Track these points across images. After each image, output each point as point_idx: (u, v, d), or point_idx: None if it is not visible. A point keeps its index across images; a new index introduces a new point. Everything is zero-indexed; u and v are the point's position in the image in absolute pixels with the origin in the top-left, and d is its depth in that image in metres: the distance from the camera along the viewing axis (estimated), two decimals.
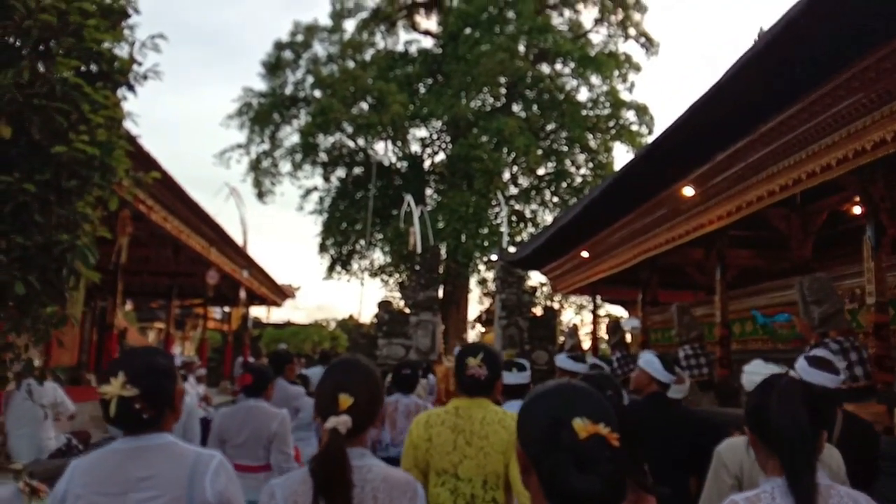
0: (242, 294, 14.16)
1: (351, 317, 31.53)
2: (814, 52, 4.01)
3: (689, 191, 6.46)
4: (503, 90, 28.09)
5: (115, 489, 1.71)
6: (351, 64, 29.04)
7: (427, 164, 29.83)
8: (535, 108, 28.29)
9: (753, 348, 8.07)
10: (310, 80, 29.71)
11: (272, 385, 3.96)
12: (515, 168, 28.07)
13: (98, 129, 2.83)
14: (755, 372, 2.85)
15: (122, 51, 3.23)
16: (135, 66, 3.22)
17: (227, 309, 17.30)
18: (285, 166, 30.16)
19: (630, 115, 28.63)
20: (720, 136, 5.41)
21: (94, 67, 3.12)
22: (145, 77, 3.30)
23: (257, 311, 25.39)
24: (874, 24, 3.63)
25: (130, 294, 16.95)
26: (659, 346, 10.98)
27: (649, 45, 29.90)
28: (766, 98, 4.65)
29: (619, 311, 18.64)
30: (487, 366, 2.54)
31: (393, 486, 1.68)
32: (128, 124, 3.38)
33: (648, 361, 3.64)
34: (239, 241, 15.42)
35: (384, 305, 17.19)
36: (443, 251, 21.09)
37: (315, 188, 30.37)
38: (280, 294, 18.00)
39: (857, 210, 8.91)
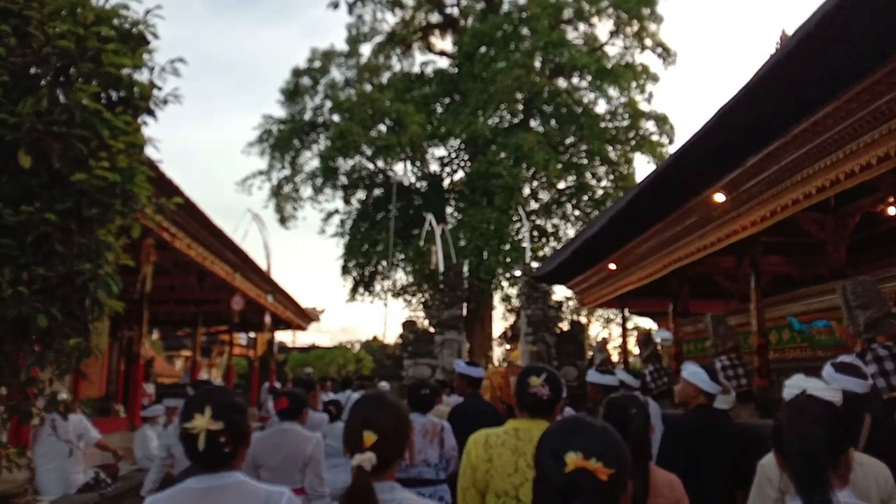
0: (268, 319, 14.14)
1: (375, 338, 31.45)
2: (849, 48, 3.86)
3: (719, 197, 6.29)
4: (520, 106, 28.06)
5: None
6: (368, 87, 29.25)
7: (446, 182, 29.85)
8: (553, 122, 28.21)
9: (791, 357, 7.81)
10: (328, 104, 29.99)
11: (307, 410, 4.02)
12: (535, 183, 27.95)
13: (119, 154, 2.78)
14: (796, 386, 2.73)
15: (141, 76, 3.19)
16: (155, 91, 3.18)
17: (252, 335, 17.31)
18: (306, 191, 30.40)
19: (650, 126, 28.42)
20: (751, 139, 5.25)
21: (113, 94, 3.08)
22: (165, 102, 3.26)
23: (282, 336, 25.44)
24: None
25: (156, 323, 17.05)
26: (692, 357, 10.72)
27: (666, 54, 29.73)
28: (799, 99, 4.49)
29: (647, 323, 18.33)
30: (550, 386, 2.53)
31: None
32: (149, 150, 3.34)
33: (694, 373, 3.55)
34: (263, 266, 15.49)
35: (408, 325, 17.08)
36: (465, 269, 20.97)
37: (336, 211, 30.54)
38: (304, 317, 17.98)
39: (892, 211, 8.67)
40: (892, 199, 8.26)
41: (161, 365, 26.00)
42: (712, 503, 1.86)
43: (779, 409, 1.88)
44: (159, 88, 3.20)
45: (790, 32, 4.34)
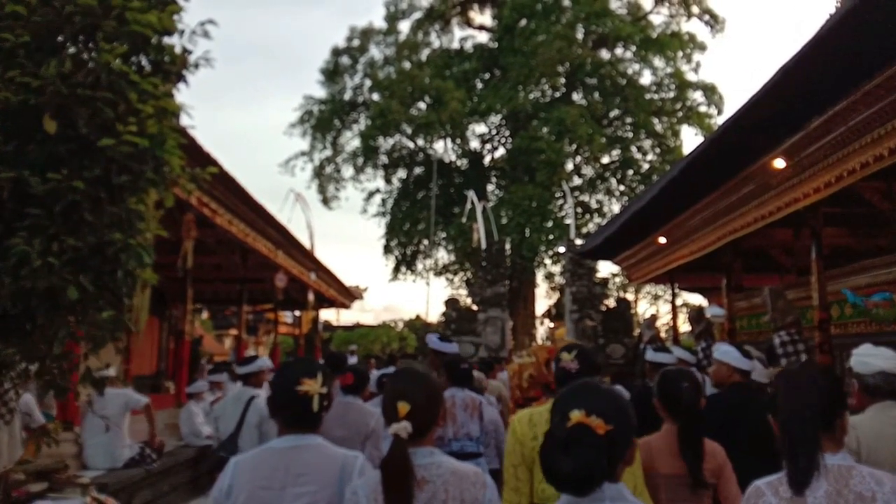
0: (311, 296, 14.17)
1: (418, 317, 31.53)
2: None
3: (779, 163, 5.91)
4: (562, 79, 27.43)
5: (276, 483, 1.91)
6: (407, 65, 29.01)
7: (487, 159, 29.54)
8: (596, 95, 27.51)
9: (854, 332, 7.40)
10: (367, 83, 29.91)
11: (368, 385, 4.31)
12: (578, 158, 27.40)
13: (148, 119, 2.66)
14: (866, 354, 2.78)
15: (171, 40, 3.06)
16: (185, 56, 3.05)
17: (297, 313, 17.44)
18: (348, 171, 30.49)
19: (697, 96, 27.55)
20: (817, 100, 4.88)
21: (143, 59, 2.96)
22: (196, 66, 3.12)
23: (327, 314, 25.69)
24: None
25: (204, 301, 17.34)
26: (745, 333, 10.32)
27: (714, 22, 28.63)
28: (869, 53, 4.11)
29: (697, 299, 17.82)
30: (579, 361, 2.66)
31: (462, 479, 1.84)
32: (183, 119, 3.22)
33: (725, 352, 3.76)
34: (306, 245, 15.55)
35: (451, 303, 16.96)
36: (507, 246, 20.71)
37: (377, 190, 30.59)
38: (348, 296, 18.02)
39: None
40: None
41: (210, 343, 26.55)
42: (750, 474, 1.92)
43: (778, 377, 1.96)
44: (189, 52, 3.06)
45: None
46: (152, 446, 6.07)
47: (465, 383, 4.95)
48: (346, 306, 18.89)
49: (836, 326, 7.49)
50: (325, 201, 30.70)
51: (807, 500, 1.66)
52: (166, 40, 3.05)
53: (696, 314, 9.53)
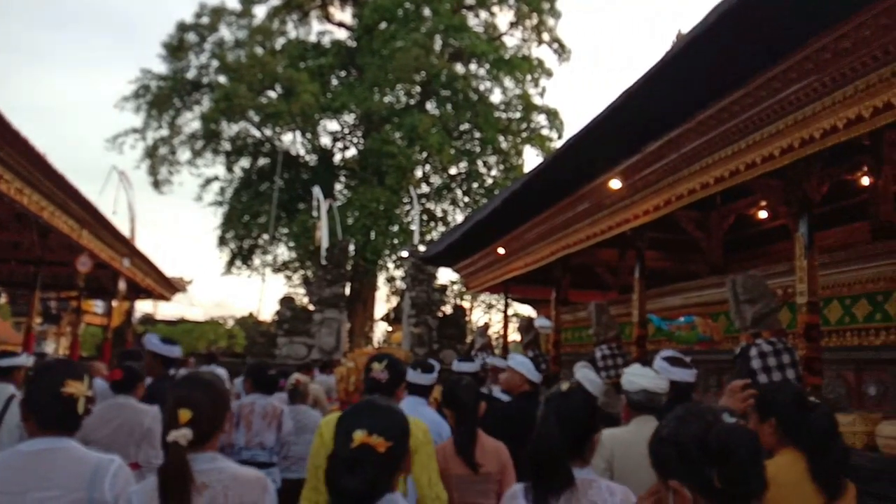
0: (122, 285, 12.77)
1: (251, 314, 30.02)
2: (763, 33, 3.71)
3: (616, 183, 6.16)
4: (418, 88, 27.61)
5: (16, 487, 1.82)
6: (259, 50, 27.69)
7: (337, 158, 28.90)
8: (449, 107, 27.96)
9: (668, 348, 7.95)
10: (214, 64, 28.14)
11: (143, 383, 3.84)
12: (428, 166, 27.66)
13: None
14: (633, 374, 3.09)
15: None
16: None
17: (114, 303, 15.74)
18: (184, 154, 28.41)
19: (541, 119, 28.88)
20: (656, 124, 5.11)
21: None
22: None
23: (146, 307, 23.65)
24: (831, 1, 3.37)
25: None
26: (570, 345, 10.81)
27: (561, 51, 30.28)
28: (710, 84, 4.35)
29: (527, 310, 18.55)
30: (389, 372, 2.89)
31: (243, 483, 1.86)
32: None
33: (521, 363, 4.15)
34: (124, 228, 14.09)
35: (286, 302, 16.25)
36: (351, 248, 20.30)
37: (216, 178, 28.79)
38: (169, 287, 16.55)
39: (762, 214, 9.08)
40: (763, 203, 8.64)
41: (6, 331, 23.43)
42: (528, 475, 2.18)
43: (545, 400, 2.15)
44: None
45: (685, 32, 4.19)
46: None
47: (270, 390, 4.87)
48: (165, 298, 17.39)
49: (650, 343, 8.00)
50: (157, 184, 28.39)
51: None
52: None
53: (526, 324, 9.79)
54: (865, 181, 6.60)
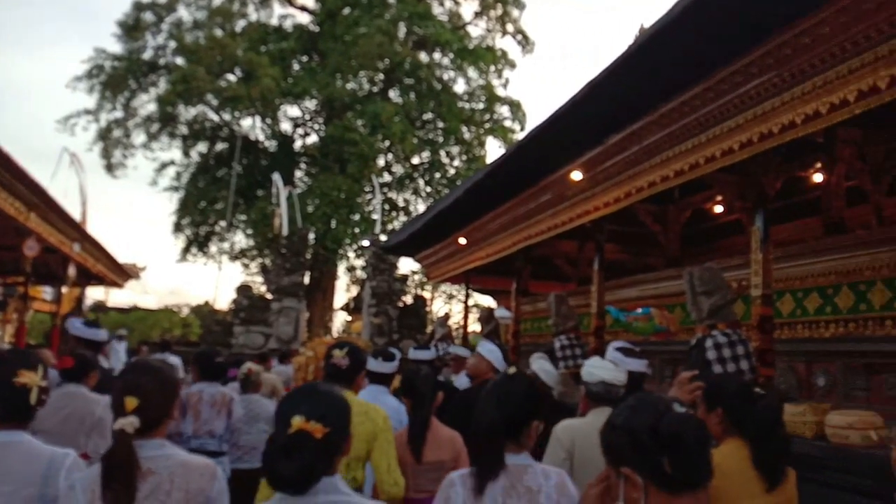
0: (72, 271, 12.33)
1: (206, 303, 29.46)
2: (727, 28, 3.74)
3: (577, 175, 6.18)
4: (381, 75, 27.34)
5: None
6: (219, 32, 27.00)
7: (298, 144, 28.47)
8: (412, 95, 27.79)
9: (622, 339, 8.06)
10: (172, 45, 27.35)
11: (95, 372, 3.71)
12: (390, 155, 27.47)
13: None
14: (592, 366, 3.16)
15: None
16: None
17: (64, 290, 15.20)
18: (139, 137, 27.61)
19: (504, 111, 28.96)
20: (619, 117, 5.13)
21: None
22: None
23: (98, 293, 23.00)
24: None
25: None
26: (529, 335, 10.88)
27: (525, 42, 30.35)
28: (673, 77, 4.38)
29: (487, 300, 18.62)
30: (350, 359, 2.96)
31: (191, 470, 1.84)
32: None
33: (491, 351, 4.20)
34: (77, 213, 13.63)
35: (243, 290, 15.98)
36: (311, 236, 20.04)
37: (172, 162, 28.09)
38: (121, 274, 16.06)
39: (718, 209, 9.26)
40: (720, 198, 8.80)
41: None
42: None
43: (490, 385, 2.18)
44: None
45: (649, 25, 4.21)
46: None
47: (217, 378, 4.83)
48: (118, 285, 16.88)
49: (608, 334, 8.10)
50: (110, 168, 27.53)
51: (486, 493, 1.94)
52: None
53: (486, 315, 9.81)
54: (817, 178, 6.77)
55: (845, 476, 3.39)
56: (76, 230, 11.40)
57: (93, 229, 12.59)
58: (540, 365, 4.79)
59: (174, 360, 8.20)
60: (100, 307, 26.64)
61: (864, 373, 4.67)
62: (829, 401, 4.60)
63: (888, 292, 4.61)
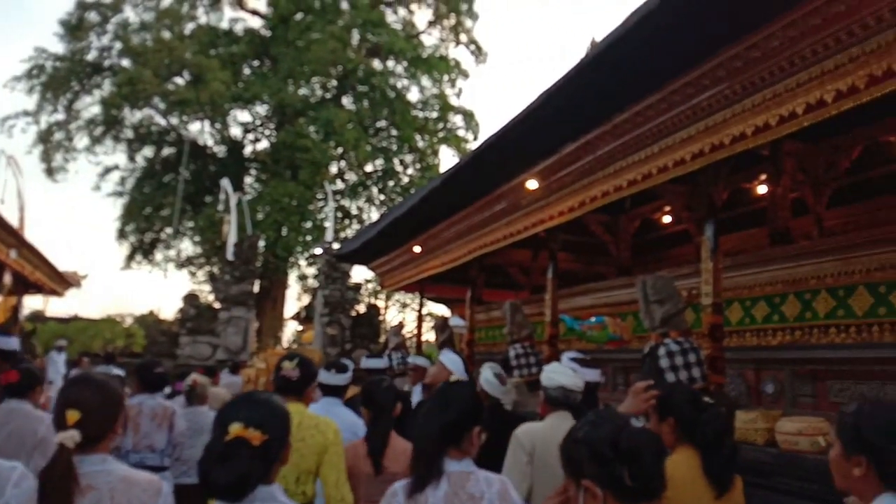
0: (8, 279, 11.77)
1: (151, 312, 28.55)
2: (681, 39, 3.80)
3: (532, 184, 6.20)
4: (334, 82, 27.12)
5: None
6: (167, 34, 26.35)
7: (248, 150, 27.96)
8: (365, 103, 27.63)
9: (578, 348, 8.12)
10: (118, 46, 26.57)
11: (41, 387, 3.57)
12: (343, 163, 27.24)
13: None
14: (552, 371, 3.21)
15: None
16: None
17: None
18: (82, 140, 26.69)
19: (458, 120, 29.07)
20: (574, 126, 5.16)
21: None
22: None
23: (35, 303, 22.03)
24: (745, 11, 3.48)
25: None
26: (483, 344, 10.87)
27: (478, 52, 30.59)
28: (628, 88, 4.42)
29: (441, 309, 18.57)
30: (300, 370, 2.93)
31: (133, 485, 1.78)
32: None
33: (453, 360, 4.26)
34: (14, 219, 13.04)
35: (190, 299, 15.54)
36: (261, 244, 19.64)
37: (116, 167, 27.21)
38: (61, 282, 15.44)
39: (667, 219, 9.46)
40: (668, 208, 8.98)
41: None
42: None
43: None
44: None
45: (599, 39, 4.26)
46: None
47: (158, 390, 4.72)
48: (58, 294, 16.21)
49: (562, 342, 8.14)
50: (50, 172, 26.53)
51: (428, 500, 1.93)
52: None
53: (441, 324, 9.75)
54: (762, 189, 6.96)
55: (795, 482, 3.46)
56: (13, 236, 10.92)
57: (31, 235, 12.06)
58: (485, 376, 4.74)
59: (118, 373, 7.87)
60: (38, 317, 25.50)
61: (811, 379, 4.78)
62: (778, 407, 4.70)
63: (832, 301, 4.74)
